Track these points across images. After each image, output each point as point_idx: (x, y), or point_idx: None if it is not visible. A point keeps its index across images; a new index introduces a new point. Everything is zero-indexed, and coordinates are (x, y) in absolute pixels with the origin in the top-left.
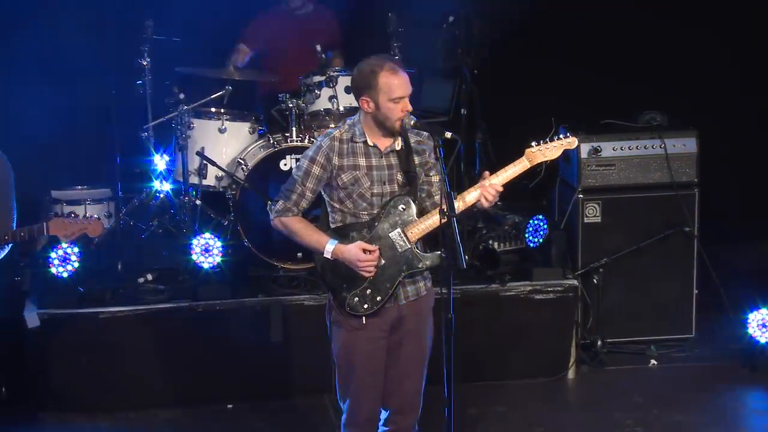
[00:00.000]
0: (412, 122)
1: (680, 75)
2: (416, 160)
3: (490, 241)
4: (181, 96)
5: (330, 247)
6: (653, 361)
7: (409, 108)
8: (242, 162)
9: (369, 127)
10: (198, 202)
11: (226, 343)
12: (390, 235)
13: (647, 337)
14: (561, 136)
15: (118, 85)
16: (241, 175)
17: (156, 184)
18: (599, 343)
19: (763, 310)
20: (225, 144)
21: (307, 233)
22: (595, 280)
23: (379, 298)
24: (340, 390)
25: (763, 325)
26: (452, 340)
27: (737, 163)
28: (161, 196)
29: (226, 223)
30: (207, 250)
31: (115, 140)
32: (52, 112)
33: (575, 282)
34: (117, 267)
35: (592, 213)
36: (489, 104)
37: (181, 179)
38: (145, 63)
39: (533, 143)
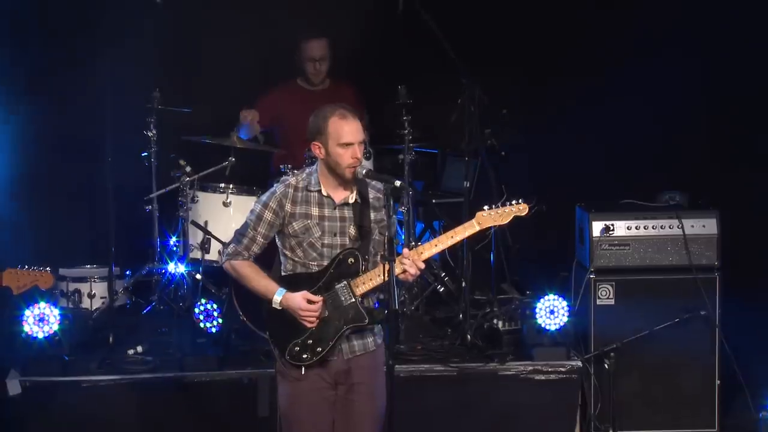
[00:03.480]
0: (365, 171)
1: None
2: (372, 215)
3: (495, 320)
4: (188, 169)
5: (278, 297)
6: None
7: (359, 156)
8: None
9: (324, 176)
10: (199, 276)
11: (211, 417)
12: (336, 287)
13: (664, 431)
14: (514, 202)
15: (124, 158)
16: None
17: (159, 262)
18: None
19: None
20: (229, 218)
21: (256, 279)
22: (606, 365)
23: (319, 349)
24: None
25: None
26: (392, 388)
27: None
28: (163, 272)
29: (224, 297)
30: (208, 315)
31: (121, 216)
32: (59, 186)
33: (579, 363)
34: (109, 340)
35: (605, 294)
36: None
37: (183, 253)
38: (151, 134)
39: (485, 207)
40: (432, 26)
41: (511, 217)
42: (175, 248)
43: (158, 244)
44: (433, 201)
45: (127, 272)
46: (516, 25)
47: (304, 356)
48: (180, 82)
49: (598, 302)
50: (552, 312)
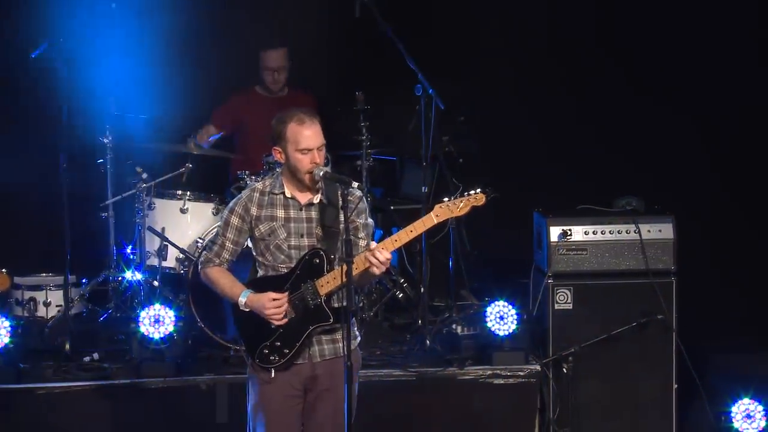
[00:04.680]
0: (322, 173)
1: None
2: (342, 217)
3: (453, 325)
4: (144, 175)
5: (242, 299)
6: None
7: (318, 161)
8: (201, 241)
9: (288, 179)
10: (156, 283)
11: (169, 424)
12: (302, 288)
13: None
14: (471, 192)
15: (79, 165)
16: (197, 254)
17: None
18: None
19: (746, 400)
20: (187, 225)
21: (224, 283)
22: (564, 369)
23: (286, 350)
24: None
25: (748, 416)
26: (346, 390)
27: (717, 250)
28: (119, 279)
29: (181, 304)
30: (157, 321)
31: (76, 223)
32: (12, 192)
33: (538, 367)
34: (65, 348)
35: (563, 299)
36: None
37: (140, 261)
38: (107, 141)
39: (445, 199)
40: (389, 33)
41: (469, 208)
42: (131, 255)
43: (114, 252)
44: (392, 207)
45: (83, 280)
46: (471, 30)
47: (272, 358)
48: (137, 87)
49: (556, 306)
50: (502, 318)
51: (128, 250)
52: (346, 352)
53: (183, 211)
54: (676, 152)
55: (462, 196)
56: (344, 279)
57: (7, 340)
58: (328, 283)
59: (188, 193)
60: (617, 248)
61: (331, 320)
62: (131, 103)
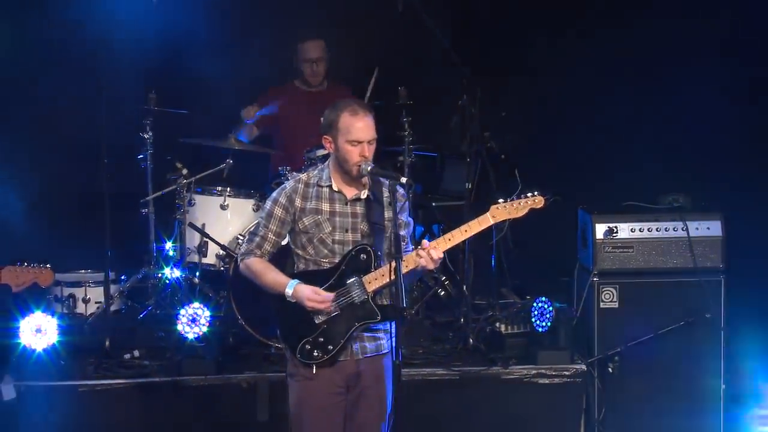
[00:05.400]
0: (370, 168)
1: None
2: (386, 213)
3: (497, 324)
4: (184, 171)
5: (289, 290)
6: None
7: (367, 154)
8: (241, 237)
9: (336, 172)
10: (196, 280)
11: (210, 422)
12: (348, 284)
13: None
14: (529, 194)
15: (120, 161)
16: (238, 251)
17: (156, 266)
18: None
19: None
20: (227, 221)
21: (267, 274)
22: (610, 369)
23: (330, 347)
24: None
25: None
26: (399, 389)
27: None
28: (159, 276)
29: (222, 301)
30: (194, 321)
31: (116, 219)
32: (54, 189)
33: (584, 367)
34: (105, 345)
35: (609, 298)
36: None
37: (180, 257)
38: (147, 136)
39: (500, 200)
40: (432, 27)
41: (527, 210)
42: (171, 252)
43: (154, 248)
44: (433, 204)
45: (122, 276)
46: (515, 27)
47: (315, 354)
48: (176, 83)
49: (602, 305)
50: (542, 314)
51: (168, 247)
52: (394, 350)
53: (223, 207)
54: (722, 147)
55: (520, 197)
56: (393, 276)
57: (55, 339)
58: (376, 279)
59: (228, 189)
60: (664, 246)
61: (379, 317)
62: (171, 98)
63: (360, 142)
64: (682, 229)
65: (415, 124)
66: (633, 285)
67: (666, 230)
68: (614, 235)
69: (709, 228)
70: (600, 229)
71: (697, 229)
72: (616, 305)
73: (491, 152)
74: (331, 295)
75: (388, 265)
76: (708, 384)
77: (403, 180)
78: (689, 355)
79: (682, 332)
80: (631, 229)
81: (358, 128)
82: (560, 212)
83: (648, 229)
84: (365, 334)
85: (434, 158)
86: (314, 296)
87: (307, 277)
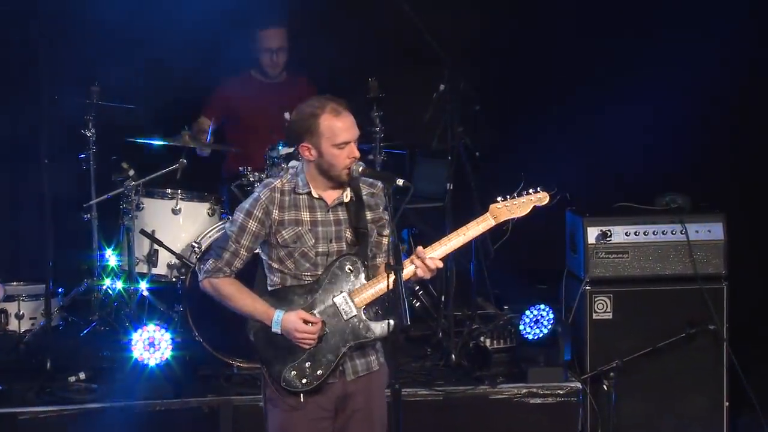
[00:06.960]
0: (361, 169)
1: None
2: (368, 215)
3: (482, 338)
4: (131, 172)
5: (276, 326)
6: None
7: (356, 154)
8: (196, 245)
9: (313, 177)
10: (145, 293)
11: None
12: (335, 300)
13: None
14: (531, 191)
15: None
16: (194, 260)
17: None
18: None
19: None
20: (179, 227)
21: (243, 299)
22: (605, 386)
23: (320, 372)
24: None
25: None
26: (400, 416)
27: None
28: (104, 287)
29: (176, 317)
30: (152, 345)
31: (54, 227)
32: None
33: (579, 385)
34: (46, 366)
35: (602, 308)
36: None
37: (127, 267)
38: (89, 134)
39: (499, 198)
40: (410, 15)
41: (530, 208)
42: (116, 261)
43: (98, 257)
44: (406, 206)
45: (60, 289)
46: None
47: (304, 381)
48: (123, 75)
49: (595, 316)
50: (536, 322)
51: (108, 254)
52: (387, 371)
53: (175, 211)
54: (722, 146)
55: (521, 194)
56: (388, 285)
57: None
58: (365, 293)
59: (180, 191)
60: (662, 251)
61: (369, 335)
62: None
63: (347, 143)
64: (681, 233)
65: (386, 119)
66: (628, 294)
67: (663, 234)
68: (608, 239)
69: (710, 231)
70: (592, 233)
71: (697, 232)
72: (609, 316)
73: (467, 150)
74: (319, 323)
75: (378, 276)
76: (711, 401)
77: (400, 181)
78: (690, 370)
79: (683, 345)
80: (626, 233)
81: (344, 129)
82: (545, 214)
83: (644, 233)
84: (354, 353)
85: (402, 156)
86: (304, 327)
87: (285, 294)
